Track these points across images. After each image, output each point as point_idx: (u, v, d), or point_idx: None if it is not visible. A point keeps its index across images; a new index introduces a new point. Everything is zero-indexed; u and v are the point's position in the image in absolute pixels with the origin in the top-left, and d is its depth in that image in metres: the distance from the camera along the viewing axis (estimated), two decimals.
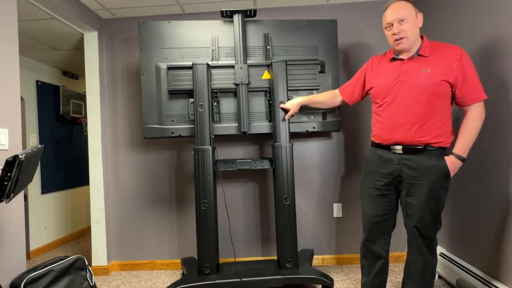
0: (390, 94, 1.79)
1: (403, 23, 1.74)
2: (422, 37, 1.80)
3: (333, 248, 3.03)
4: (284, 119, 2.41)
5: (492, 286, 1.96)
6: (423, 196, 1.73)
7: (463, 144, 1.71)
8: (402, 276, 2.63)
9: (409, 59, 1.78)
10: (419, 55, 1.76)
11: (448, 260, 2.40)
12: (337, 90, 2.23)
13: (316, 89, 2.62)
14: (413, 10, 1.76)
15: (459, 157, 1.71)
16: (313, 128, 2.62)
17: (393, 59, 1.84)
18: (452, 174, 1.73)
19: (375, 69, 1.93)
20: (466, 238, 2.32)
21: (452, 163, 1.72)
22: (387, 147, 1.83)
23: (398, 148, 1.78)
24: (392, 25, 1.76)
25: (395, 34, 1.75)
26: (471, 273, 2.15)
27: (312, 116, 2.64)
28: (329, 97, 2.24)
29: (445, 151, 1.76)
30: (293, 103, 2.32)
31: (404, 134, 1.75)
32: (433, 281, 1.86)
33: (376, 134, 1.90)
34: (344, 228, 3.01)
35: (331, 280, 2.35)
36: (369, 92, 1.96)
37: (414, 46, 1.77)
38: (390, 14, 1.76)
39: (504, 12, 1.91)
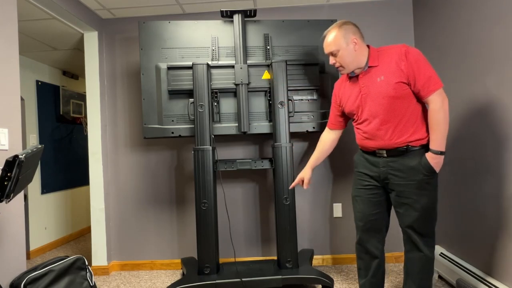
0: (359, 109, 1.89)
1: (335, 55, 1.87)
2: (368, 47, 1.87)
3: (333, 248, 3.03)
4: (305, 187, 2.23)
5: (492, 286, 1.96)
6: (413, 195, 1.77)
7: (435, 138, 1.72)
8: (402, 276, 2.64)
9: (362, 73, 1.86)
10: (369, 66, 1.83)
11: (448, 260, 2.40)
12: (326, 130, 2.19)
13: (316, 89, 2.62)
14: (342, 39, 1.82)
15: (436, 152, 1.73)
16: (313, 128, 2.62)
17: (350, 77, 1.94)
18: (437, 169, 1.75)
19: (341, 93, 2.02)
20: (466, 238, 2.32)
21: (432, 159, 1.73)
22: (373, 152, 1.90)
23: (383, 152, 1.84)
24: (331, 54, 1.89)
25: (334, 64, 1.91)
26: (471, 273, 2.15)
27: (312, 116, 2.64)
28: (328, 142, 2.16)
29: (427, 148, 1.78)
30: (305, 171, 2.16)
31: (383, 141, 1.82)
32: (431, 278, 1.88)
33: (359, 144, 1.98)
34: (344, 228, 3.01)
35: (331, 280, 2.35)
36: (345, 113, 2.03)
37: (361, 61, 1.85)
38: (324, 48, 1.92)
39: (503, 13, 1.91)
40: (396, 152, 1.80)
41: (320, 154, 2.17)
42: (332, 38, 1.84)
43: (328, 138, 2.16)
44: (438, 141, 1.72)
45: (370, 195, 1.92)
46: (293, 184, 2.23)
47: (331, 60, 1.90)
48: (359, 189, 1.96)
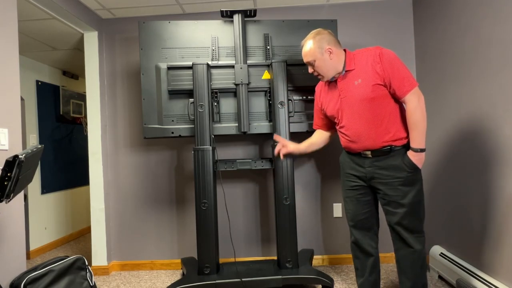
0: (340, 113, 1.92)
1: (312, 65, 1.91)
2: (345, 51, 1.91)
3: (333, 248, 3.03)
4: (283, 157, 2.13)
5: (492, 286, 1.96)
6: (399, 192, 1.81)
7: (415, 136, 1.77)
8: None
9: (340, 77, 1.90)
10: (346, 70, 1.87)
11: (448, 260, 2.40)
12: (316, 131, 2.20)
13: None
14: (317, 49, 1.87)
15: (416, 150, 1.77)
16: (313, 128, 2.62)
17: (329, 82, 1.98)
18: (419, 166, 1.80)
19: (323, 97, 2.05)
20: (466, 238, 2.32)
21: (413, 156, 1.78)
22: (358, 153, 1.92)
23: (368, 153, 1.87)
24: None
25: (313, 73, 1.96)
26: (471, 273, 2.15)
27: (312, 116, 2.63)
28: (318, 138, 2.17)
29: (408, 147, 1.82)
30: (291, 143, 2.12)
31: (367, 143, 1.85)
32: (425, 274, 1.90)
33: (344, 146, 2.00)
34: (344, 228, 3.01)
35: (331, 280, 2.35)
36: (327, 116, 2.05)
37: (339, 67, 1.89)
38: (302, 57, 1.95)
39: (503, 13, 1.91)
40: (380, 152, 1.84)
41: (310, 144, 2.13)
42: (308, 49, 1.89)
43: (319, 137, 2.16)
44: (417, 139, 1.77)
45: (358, 195, 1.97)
46: (276, 136, 2.14)
47: (310, 69, 1.95)
48: (348, 190, 2.01)
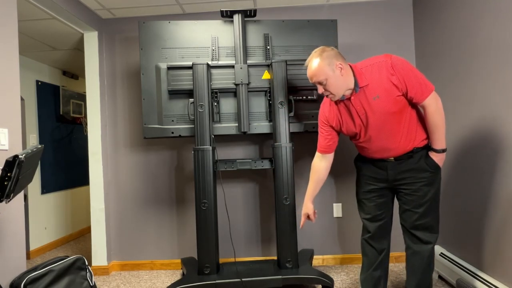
0: (361, 131, 1.85)
1: (323, 84, 1.78)
2: (351, 67, 1.80)
3: (333, 248, 3.03)
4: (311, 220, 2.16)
5: (492, 286, 1.96)
6: (421, 192, 1.82)
7: (436, 138, 1.78)
8: (402, 276, 2.64)
9: (354, 95, 1.79)
10: (360, 87, 1.78)
11: (448, 260, 2.40)
12: (317, 157, 2.05)
13: (316, 89, 2.61)
14: (327, 66, 1.74)
15: (438, 151, 1.80)
16: (313, 128, 2.62)
17: (339, 101, 1.86)
18: (441, 165, 1.83)
19: (333, 116, 1.92)
20: (466, 238, 2.32)
21: (435, 157, 1.81)
22: (380, 158, 1.91)
23: (391, 158, 1.87)
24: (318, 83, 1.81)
25: (322, 93, 1.84)
26: (471, 273, 2.15)
27: (312, 116, 2.64)
28: (322, 171, 2.04)
29: (429, 147, 1.84)
30: (307, 206, 2.10)
31: (394, 151, 1.84)
32: (431, 274, 1.91)
33: (366, 155, 1.96)
34: (344, 228, 3.01)
35: (331, 280, 2.35)
36: (343, 134, 1.97)
37: (350, 83, 1.77)
38: (309, 78, 1.83)
39: (502, 12, 1.91)
40: (403, 156, 1.84)
41: (317, 184, 2.07)
42: (317, 68, 1.76)
43: (322, 167, 2.03)
44: (439, 141, 1.78)
45: (375, 197, 1.96)
46: (301, 224, 2.15)
47: (320, 90, 1.81)
48: (365, 192, 1.99)
